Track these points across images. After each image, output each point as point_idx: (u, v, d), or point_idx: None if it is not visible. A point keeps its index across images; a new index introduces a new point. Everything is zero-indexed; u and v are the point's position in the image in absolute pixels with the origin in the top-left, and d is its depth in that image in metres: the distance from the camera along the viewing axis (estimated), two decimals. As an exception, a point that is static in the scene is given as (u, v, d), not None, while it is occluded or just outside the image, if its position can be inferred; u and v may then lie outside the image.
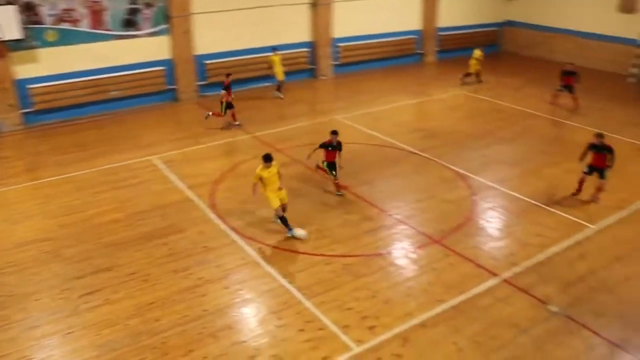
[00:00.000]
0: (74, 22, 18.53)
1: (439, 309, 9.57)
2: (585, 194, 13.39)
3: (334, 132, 13.25)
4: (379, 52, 26.24)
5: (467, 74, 23.89)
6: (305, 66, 23.99)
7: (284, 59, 22.01)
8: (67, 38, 18.53)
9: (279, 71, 21.45)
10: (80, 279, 10.33)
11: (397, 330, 9.03)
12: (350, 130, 18.08)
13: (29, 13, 17.68)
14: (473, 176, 14.68)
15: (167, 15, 20.09)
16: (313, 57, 24.20)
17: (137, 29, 19.80)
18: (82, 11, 18.55)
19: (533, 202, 13.38)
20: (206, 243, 11.52)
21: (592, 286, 10.27)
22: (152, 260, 10.91)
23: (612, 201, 13.27)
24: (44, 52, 18.27)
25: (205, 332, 8.98)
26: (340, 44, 24.81)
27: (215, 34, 21.32)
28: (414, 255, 11.18)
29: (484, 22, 29.73)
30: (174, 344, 8.71)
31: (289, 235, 11.63)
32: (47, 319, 9.29)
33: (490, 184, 14.32)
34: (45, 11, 17.94)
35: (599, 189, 13.23)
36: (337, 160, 13.31)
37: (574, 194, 13.42)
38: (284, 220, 11.64)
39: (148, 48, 20.18)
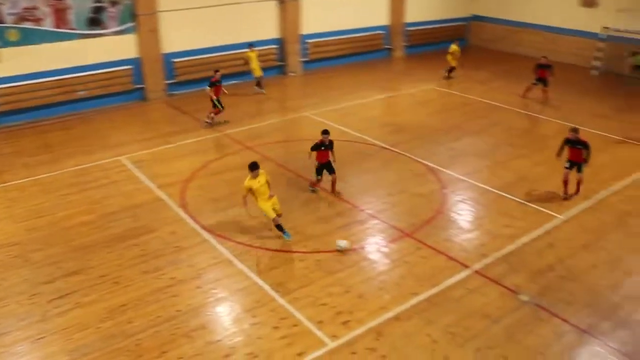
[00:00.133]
0: (37, 21, 18.15)
1: (412, 301, 9.66)
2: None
3: (325, 132, 12.99)
4: (348, 48, 26.31)
5: (451, 69, 24.14)
6: (274, 63, 23.92)
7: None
8: (30, 37, 18.15)
9: (255, 67, 21.41)
10: (49, 284, 10.16)
11: (371, 324, 9.09)
12: (321, 127, 17.92)
13: (-12, 12, 17.30)
14: (443, 169, 14.84)
15: (133, 13, 19.82)
16: (282, 54, 24.15)
17: (103, 28, 19.49)
18: (44, 10, 18.18)
19: (502, 193, 13.60)
20: (178, 243, 11.43)
21: (560, 275, 10.49)
22: (123, 262, 10.78)
23: (568, 185, 13.49)
24: (6, 52, 17.85)
25: (179, 332, 8.92)
26: (309, 41, 24.82)
27: (183, 32, 21.11)
28: (386, 250, 11.27)
29: (451, 17, 30.05)
30: (148, 345, 8.64)
31: (287, 238, 11.47)
32: (16, 325, 9.11)
33: (460, 176, 14.50)
34: (5, 10, 17.52)
35: (579, 183, 13.36)
36: (331, 158, 13.18)
37: (564, 198, 13.34)
38: (279, 228, 11.44)
39: (114, 47, 19.89)
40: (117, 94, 20.31)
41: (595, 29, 24.90)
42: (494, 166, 15.22)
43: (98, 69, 19.65)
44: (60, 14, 18.53)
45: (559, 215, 12.58)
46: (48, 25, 18.39)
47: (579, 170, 13.20)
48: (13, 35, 17.85)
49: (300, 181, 14.02)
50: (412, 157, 15.60)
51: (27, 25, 18.01)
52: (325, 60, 25.62)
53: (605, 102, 21.04)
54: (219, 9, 21.59)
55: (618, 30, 23.88)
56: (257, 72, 21.43)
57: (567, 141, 13.23)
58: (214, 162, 15.30)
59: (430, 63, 26.87)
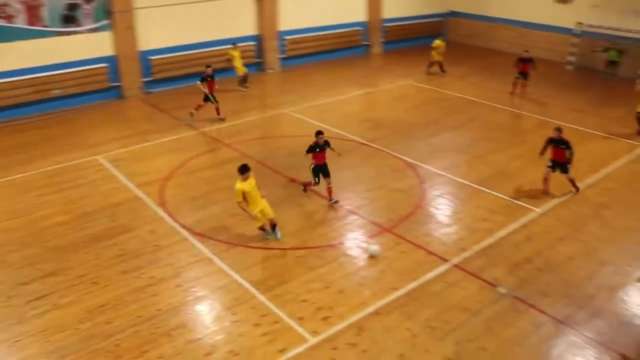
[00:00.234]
0: (9, 18, 17.83)
1: (392, 296, 9.72)
2: (558, 190, 13.59)
3: (319, 133, 12.47)
4: (326, 44, 26.31)
5: (432, 63, 24.29)
6: (252, 60, 23.83)
7: (224, 54, 21.89)
8: (2, 35, 17.82)
9: (238, 65, 21.40)
10: (26, 285, 10.02)
11: (351, 319, 9.13)
12: (299, 123, 18.11)
13: (-41, 10, 16.98)
14: (421, 165, 14.94)
15: (108, 10, 19.58)
16: (260, 51, 24.07)
17: (78, 25, 19.23)
18: (16, 7, 17.86)
19: (480, 188, 13.73)
20: (157, 242, 11.35)
21: (537, 267, 10.63)
22: (101, 262, 10.68)
23: (553, 184, 13.69)
24: (-23, 51, 17.59)
25: (159, 331, 8.87)
26: (287, 37, 24.76)
27: (160, 29, 20.93)
28: (366, 245, 11.32)
29: (428, 12, 30.18)
30: (128, 345, 8.57)
31: (277, 237, 11.36)
32: (-8, 328, 9.00)
33: (438, 171, 14.60)
34: (-24, 7, 17.24)
35: (572, 182, 13.42)
36: (334, 150, 12.76)
37: (545, 192, 13.46)
38: (264, 230, 11.36)
39: (90, 44, 19.64)
40: (94, 92, 20.06)
41: (570, 24, 25.22)
42: (472, 161, 15.35)
43: (73, 67, 19.39)
44: (33, 11, 18.23)
45: (536, 209, 12.74)
46: (21, 23, 18.08)
47: (565, 171, 13.22)
48: (-16, 34, 17.58)
49: (278, 177, 14.00)
50: (391, 152, 15.67)
51: (-1, 22, 17.75)
52: (303, 56, 25.59)
53: (581, 96, 21.34)
54: (196, 6, 21.43)
55: (591, 26, 24.22)
56: (240, 71, 21.41)
57: (551, 141, 13.27)
58: (193, 160, 15.22)
59: (408, 59, 27.02)
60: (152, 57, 21.01)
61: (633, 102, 20.13)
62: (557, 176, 13.35)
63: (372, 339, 8.74)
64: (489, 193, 13.47)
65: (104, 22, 19.71)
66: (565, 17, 25.48)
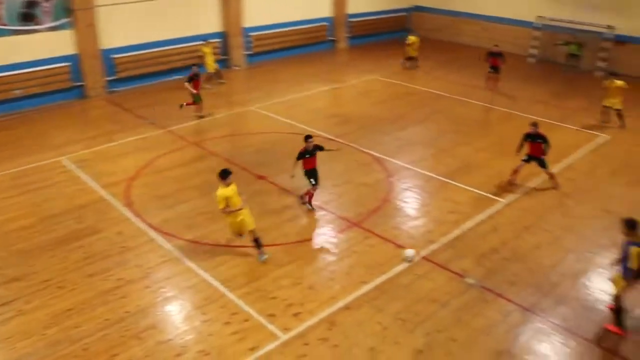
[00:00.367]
0: (-35, 17, 17.38)
1: (362, 290, 9.79)
2: (545, 185, 13.76)
3: (308, 137, 12.02)
4: (292, 40, 26.25)
5: (410, 58, 24.45)
6: (218, 57, 23.60)
7: (195, 51, 21.71)
8: (-42, 35, 17.38)
9: (209, 62, 21.24)
10: (-10, 291, 9.82)
11: (322, 314, 9.17)
12: (266, 120, 18.07)
13: None
14: (388, 159, 15.04)
15: (69, 8, 19.19)
16: (225, 48, 23.90)
17: (37, 23, 18.79)
18: (-28, 5, 17.42)
19: (447, 180, 13.90)
20: (124, 243, 11.21)
21: (504, 256, 10.83)
22: (67, 265, 10.49)
23: (518, 175, 13.95)
24: None
25: (129, 334, 8.76)
26: (252, 34, 24.63)
27: (123, 27, 20.60)
28: (334, 240, 11.37)
29: (393, 7, 30.37)
30: (96, 349, 8.46)
31: (261, 259, 10.58)
32: (-45, 336, 8.79)
33: (406, 165, 14.74)
34: None
35: (552, 177, 13.58)
36: (332, 150, 12.58)
37: (511, 183, 13.65)
38: (257, 244, 10.58)
39: (50, 43, 19.21)
40: (56, 92, 19.65)
41: (531, 18, 25.67)
42: (438, 154, 15.53)
43: (34, 67, 18.92)
44: (-11, 10, 17.79)
45: (501, 200, 12.96)
46: (-23, 22, 17.64)
47: (544, 166, 13.39)
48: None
49: (246, 175, 13.95)
50: (358, 147, 15.75)
51: (-46, 22, 17.26)
52: (269, 53, 25.48)
53: (543, 88, 21.76)
54: (159, 3, 21.16)
55: (552, 20, 24.70)
56: (211, 68, 21.26)
57: (528, 136, 13.35)
58: (159, 159, 15.05)
59: (374, 54, 27.16)
60: (115, 56, 20.67)
61: (594, 93, 20.67)
62: (525, 166, 13.56)
63: (343, 333, 8.80)
64: (456, 185, 13.65)
65: (64, 20, 19.31)
66: (526, 11, 25.93)
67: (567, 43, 24.42)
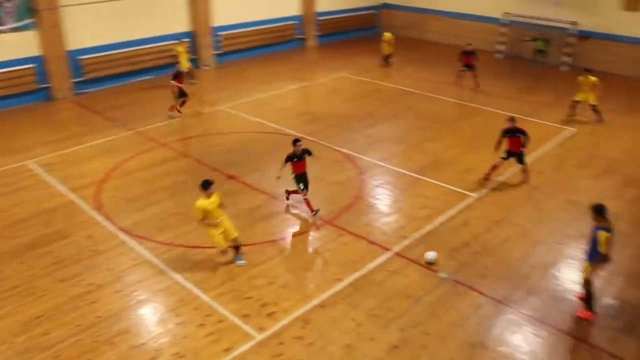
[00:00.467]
0: None
1: (336, 288, 9.81)
2: (515, 179, 13.91)
3: (297, 141, 11.73)
4: (261, 39, 26.15)
5: (386, 57, 24.51)
6: (187, 56, 23.41)
7: (163, 51, 21.53)
8: None
9: (183, 61, 21.11)
10: (-44, 299, 9.59)
11: (297, 313, 9.17)
12: (236, 119, 17.99)
13: None
14: (359, 156, 15.10)
15: (32, 8, 18.79)
16: (194, 47, 23.68)
17: (-1, 25, 18.42)
18: None
19: (417, 176, 14.01)
20: (95, 247, 11.05)
21: (475, 250, 10.97)
22: (36, 271, 10.29)
23: (485, 170, 14.14)
24: None
25: (101, 339, 8.64)
26: (221, 33, 24.46)
27: (89, 27, 20.27)
28: (308, 238, 11.37)
29: (362, 5, 30.46)
30: (68, 356, 8.32)
31: (238, 263, 10.38)
32: None
33: (377, 162, 14.81)
34: None
35: (525, 171, 13.75)
36: (314, 157, 12.10)
37: (486, 178, 13.76)
38: (236, 249, 10.38)
39: (14, 44, 18.78)
40: (21, 94, 19.24)
41: (497, 14, 26.00)
42: (408, 150, 15.64)
43: (-3, 69, 18.59)
44: (-51, 12, 17.34)
45: (472, 194, 13.12)
46: (-64, 24, 17.17)
47: (521, 161, 13.52)
48: None
49: (217, 175, 13.85)
50: (329, 145, 15.77)
51: None
52: (238, 52, 25.35)
53: (511, 83, 22.07)
54: (126, 3, 20.85)
55: (518, 16, 25.07)
56: (185, 67, 21.10)
57: (506, 132, 13.36)
58: (129, 161, 14.86)
59: (343, 52, 27.23)
60: (82, 57, 20.33)
61: (560, 87, 21.16)
62: (493, 161, 13.73)
63: (318, 331, 8.81)
64: (427, 181, 13.77)
65: (28, 20, 18.91)
66: (493, 8, 26.25)
67: (534, 39, 24.94)
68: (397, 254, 10.79)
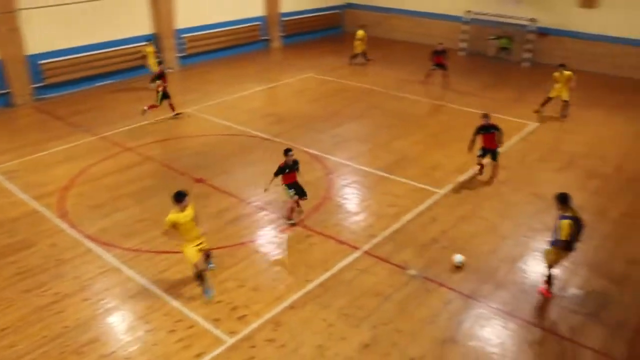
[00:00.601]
0: None
1: (306, 288, 9.83)
2: (459, 171, 14.15)
3: (288, 151, 11.41)
4: (225, 40, 25.98)
5: (354, 55, 24.60)
6: (144, 62, 23.12)
7: (126, 54, 21.26)
8: None
9: (152, 63, 20.94)
10: None
11: (268, 315, 9.15)
12: (203, 122, 17.85)
13: None
14: (326, 156, 15.14)
15: (-12, 12, 18.36)
16: (157, 50, 23.37)
17: (-46, 31, 17.90)
18: None
19: (385, 174, 14.11)
20: (60, 255, 10.84)
21: (444, 246, 11.10)
22: (0, 282, 10.04)
23: (454, 166, 14.35)
24: None
25: (69, 349, 8.49)
26: (185, 35, 24.23)
27: (49, 31, 19.84)
28: (277, 240, 11.36)
29: (326, 5, 30.52)
30: (35, 367, 8.18)
31: (206, 297, 9.54)
32: None
33: (344, 161, 14.86)
34: None
35: (495, 169, 13.78)
36: (298, 178, 11.69)
37: (479, 174, 13.90)
38: (201, 278, 9.42)
39: (-31, 51, 18.36)
40: (-22, 101, 18.82)
41: (459, 12, 26.33)
42: (375, 148, 15.74)
43: (-48, 76, 18.08)
44: None
45: (438, 191, 13.26)
46: None
47: (494, 158, 13.59)
48: None
49: (185, 179, 13.74)
50: (296, 145, 15.69)
51: None
52: (203, 54, 25.14)
53: (475, 80, 22.38)
54: (87, 5, 20.46)
55: (479, 14, 25.45)
56: (154, 68, 20.90)
57: (481, 128, 13.38)
58: (93, 167, 14.61)
59: (308, 52, 27.25)
60: (42, 61, 19.91)
61: (522, 83, 21.71)
62: (459, 157, 13.93)
63: (289, 332, 8.81)
64: (394, 179, 13.88)
65: (-16, 25, 18.46)
66: (455, 6, 26.58)
67: (498, 37, 25.48)
68: (366, 253, 10.86)
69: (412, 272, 10.27)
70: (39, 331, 8.85)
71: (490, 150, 13.59)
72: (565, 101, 17.76)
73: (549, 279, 9.66)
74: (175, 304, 9.43)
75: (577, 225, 9.14)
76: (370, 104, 19.63)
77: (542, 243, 10.69)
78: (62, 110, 19.01)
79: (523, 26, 24.48)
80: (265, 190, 11.67)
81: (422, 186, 13.47)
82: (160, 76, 17.75)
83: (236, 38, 26.49)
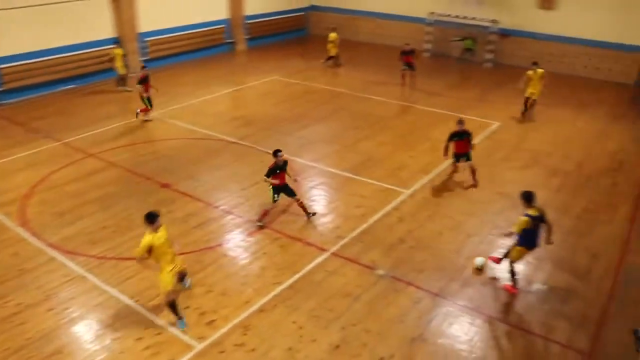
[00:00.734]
0: None
1: (275, 291, 9.80)
2: (445, 173, 14.24)
3: (278, 152, 11.37)
4: (189, 43, 25.79)
5: (328, 58, 24.68)
6: (112, 64, 22.77)
7: (89, 58, 20.92)
8: None
9: (119, 65, 20.80)
10: None
11: (236, 320, 9.10)
12: (168, 126, 17.65)
13: None
14: (293, 158, 15.05)
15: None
16: (125, 53, 23.05)
17: None
18: None
19: (351, 175, 14.17)
20: (22, 265, 10.57)
21: (411, 245, 11.20)
22: (-42, 295, 9.79)
23: (419, 166, 14.48)
24: None
25: (32, 361, 8.31)
26: (148, 38, 23.95)
27: (7, 35, 19.35)
28: (244, 244, 11.30)
29: (290, 8, 30.53)
30: (-3, 380, 7.97)
31: (180, 329, 8.92)
32: None
33: (310, 163, 14.87)
34: None
35: (473, 171, 13.73)
36: (287, 179, 11.68)
37: (454, 172, 14.02)
38: (173, 307, 8.83)
39: None
40: None
41: (423, 14, 26.63)
42: (341, 150, 15.79)
43: None
44: None
45: (404, 191, 13.37)
46: None
47: (469, 158, 13.55)
48: None
49: (150, 184, 13.56)
50: (262, 149, 15.69)
51: None
52: (166, 58, 24.87)
53: (439, 81, 22.69)
54: (47, 9, 20.06)
55: (442, 15, 25.79)
56: (122, 70, 20.76)
57: (455, 135, 13.33)
58: (55, 174, 14.30)
59: (273, 54, 27.22)
60: (1, 66, 19.41)
61: (485, 83, 21.95)
62: (424, 157, 14.03)
63: (259, 336, 8.77)
64: (360, 180, 13.94)
65: (-61, 31, 17.94)
66: (418, 8, 26.89)
67: (463, 39, 25.94)
68: (334, 254, 10.88)
69: (381, 272, 10.33)
70: (0, 344, 8.61)
71: (463, 155, 13.62)
72: (534, 100, 18.05)
73: (513, 275, 9.85)
74: (142, 311, 9.29)
75: (540, 222, 9.36)
76: (337, 105, 19.69)
77: (508, 240, 10.85)
78: (22, 115, 18.58)
79: (485, 27, 24.91)
80: (265, 180, 11.45)
81: (389, 186, 13.57)
82: (144, 80, 17.51)
83: (200, 41, 26.30)
